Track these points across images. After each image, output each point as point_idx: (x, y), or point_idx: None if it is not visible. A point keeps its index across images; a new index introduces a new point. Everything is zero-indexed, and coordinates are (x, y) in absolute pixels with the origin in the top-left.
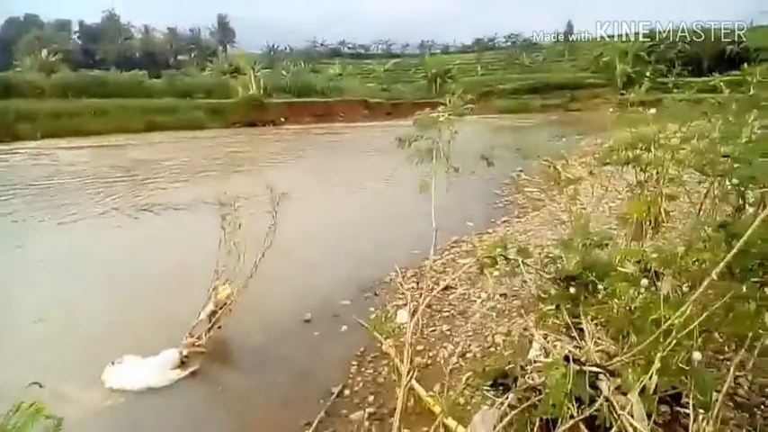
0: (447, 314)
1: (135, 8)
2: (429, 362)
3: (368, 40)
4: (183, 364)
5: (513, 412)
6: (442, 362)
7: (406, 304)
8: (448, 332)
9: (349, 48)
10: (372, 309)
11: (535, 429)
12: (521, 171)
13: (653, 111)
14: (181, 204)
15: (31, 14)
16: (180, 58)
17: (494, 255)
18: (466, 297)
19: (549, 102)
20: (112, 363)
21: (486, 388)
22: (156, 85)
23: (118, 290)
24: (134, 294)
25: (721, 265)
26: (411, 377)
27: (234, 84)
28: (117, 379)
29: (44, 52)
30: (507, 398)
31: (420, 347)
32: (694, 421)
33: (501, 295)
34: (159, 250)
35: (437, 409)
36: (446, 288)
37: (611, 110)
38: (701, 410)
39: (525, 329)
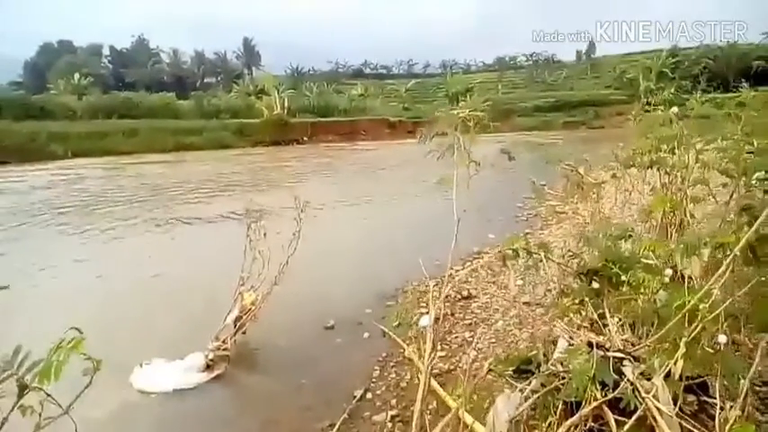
0: (469, 322)
1: (164, 33)
2: (451, 367)
3: (390, 61)
4: (208, 367)
5: (537, 395)
6: (464, 366)
7: (427, 312)
8: (470, 339)
9: (371, 68)
10: (395, 317)
11: (558, 412)
12: (543, 184)
13: (675, 109)
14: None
15: (64, 40)
16: (207, 80)
17: (515, 247)
18: (488, 306)
19: (571, 119)
20: (140, 365)
21: (508, 375)
22: (184, 107)
23: None
24: None
25: (743, 241)
26: (432, 358)
27: (259, 104)
28: (144, 380)
29: (76, 76)
30: (530, 382)
31: (442, 353)
32: (722, 410)
33: (524, 303)
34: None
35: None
36: (468, 297)
37: (633, 113)
38: (729, 401)
39: (549, 335)
